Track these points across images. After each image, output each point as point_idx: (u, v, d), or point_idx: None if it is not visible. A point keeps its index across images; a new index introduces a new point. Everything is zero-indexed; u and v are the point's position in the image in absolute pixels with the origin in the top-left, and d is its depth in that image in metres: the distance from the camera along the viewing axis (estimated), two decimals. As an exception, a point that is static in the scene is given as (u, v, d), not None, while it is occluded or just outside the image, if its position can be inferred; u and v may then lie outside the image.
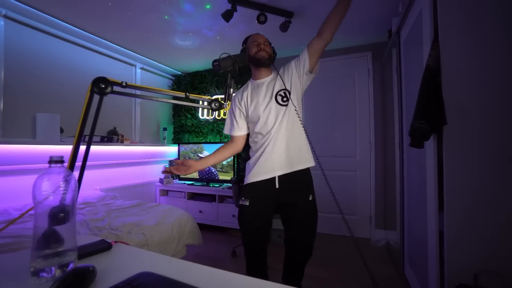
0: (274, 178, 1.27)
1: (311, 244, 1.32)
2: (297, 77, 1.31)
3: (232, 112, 1.40)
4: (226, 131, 1.43)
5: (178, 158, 3.42)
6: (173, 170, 1.23)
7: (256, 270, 1.31)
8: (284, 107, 1.27)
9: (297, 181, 1.28)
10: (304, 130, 1.29)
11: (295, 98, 1.29)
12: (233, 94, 1.36)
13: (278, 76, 1.31)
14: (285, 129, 1.26)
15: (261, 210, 1.28)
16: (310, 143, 1.31)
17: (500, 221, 1.07)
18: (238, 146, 1.41)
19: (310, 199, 1.30)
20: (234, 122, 1.38)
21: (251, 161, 1.34)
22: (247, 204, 1.27)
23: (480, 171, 1.11)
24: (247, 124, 1.38)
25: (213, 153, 1.38)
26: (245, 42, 1.37)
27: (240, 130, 1.38)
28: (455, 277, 1.11)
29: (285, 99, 1.27)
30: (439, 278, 1.22)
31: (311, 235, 1.32)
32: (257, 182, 1.28)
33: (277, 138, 1.26)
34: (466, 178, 1.13)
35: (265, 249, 1.32)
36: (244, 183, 1.33)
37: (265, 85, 1.33)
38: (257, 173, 1.28)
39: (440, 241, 1.24)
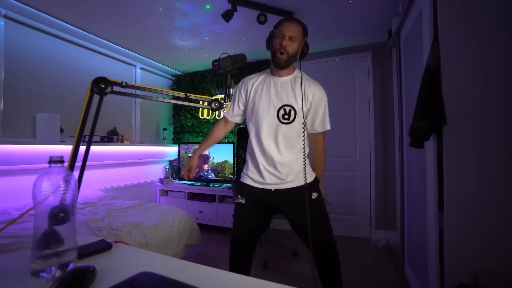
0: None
1: (329, 235, 1.21)
2: (309, 107, 1.23)
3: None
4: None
5: (178, 158, 3.43)
6: (186, 176, 1.33)
7: (239, 267, 1.25)
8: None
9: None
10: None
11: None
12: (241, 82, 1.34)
13: (299, 81, 1.20)
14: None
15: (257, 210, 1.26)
16: None
17: (500, 221, 1.07)
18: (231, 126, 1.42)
19: (314, 197, 1.21)
20: None
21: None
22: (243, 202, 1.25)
23: (480, 171, 1.11)
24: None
25: (204, 140, 1.41)
26: (276, 26, 1.20)
27: None
28: (455, 277, 1.11)
29: (286, 116, 1.20)
30: (439, 278, 1.22)
31: (326, 224, 1.22)
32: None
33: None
34: (466, 178, 1.13)
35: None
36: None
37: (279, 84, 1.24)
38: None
39: (440, 241, 1.24)
